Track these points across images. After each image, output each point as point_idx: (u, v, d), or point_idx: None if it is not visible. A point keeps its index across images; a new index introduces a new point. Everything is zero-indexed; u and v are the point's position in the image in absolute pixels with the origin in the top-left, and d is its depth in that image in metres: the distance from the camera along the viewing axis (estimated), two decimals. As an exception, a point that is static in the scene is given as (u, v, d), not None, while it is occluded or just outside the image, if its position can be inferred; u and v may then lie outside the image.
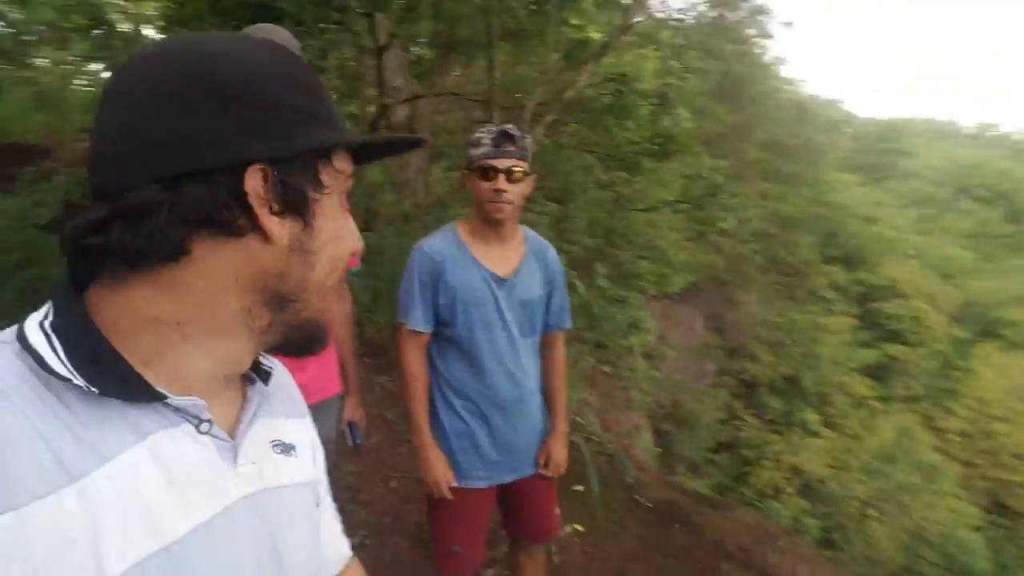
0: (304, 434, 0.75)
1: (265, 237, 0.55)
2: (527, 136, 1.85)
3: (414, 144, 0.73)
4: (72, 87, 7.26)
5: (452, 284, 1.86)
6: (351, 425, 2.10)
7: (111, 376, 0.51)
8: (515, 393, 1.94)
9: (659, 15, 10.13)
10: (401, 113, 5.25)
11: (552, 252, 2.04)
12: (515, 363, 1.92)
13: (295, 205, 0.56)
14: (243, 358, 0.62)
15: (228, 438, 0.60)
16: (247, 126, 0.53)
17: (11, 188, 4.22)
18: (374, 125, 5.39)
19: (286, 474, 0.68)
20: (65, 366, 0.49)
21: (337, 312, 1.97)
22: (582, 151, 4.98)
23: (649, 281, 5.58)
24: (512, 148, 1.78)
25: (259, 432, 0.66)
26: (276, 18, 4.57)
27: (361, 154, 0.66)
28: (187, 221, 0.52)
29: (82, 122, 5.92)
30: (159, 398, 0.53)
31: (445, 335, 1.93)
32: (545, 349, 2.07)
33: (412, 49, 5.66)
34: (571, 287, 4.45)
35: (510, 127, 1.82)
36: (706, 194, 5.58)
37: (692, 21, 10.23)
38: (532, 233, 2.05)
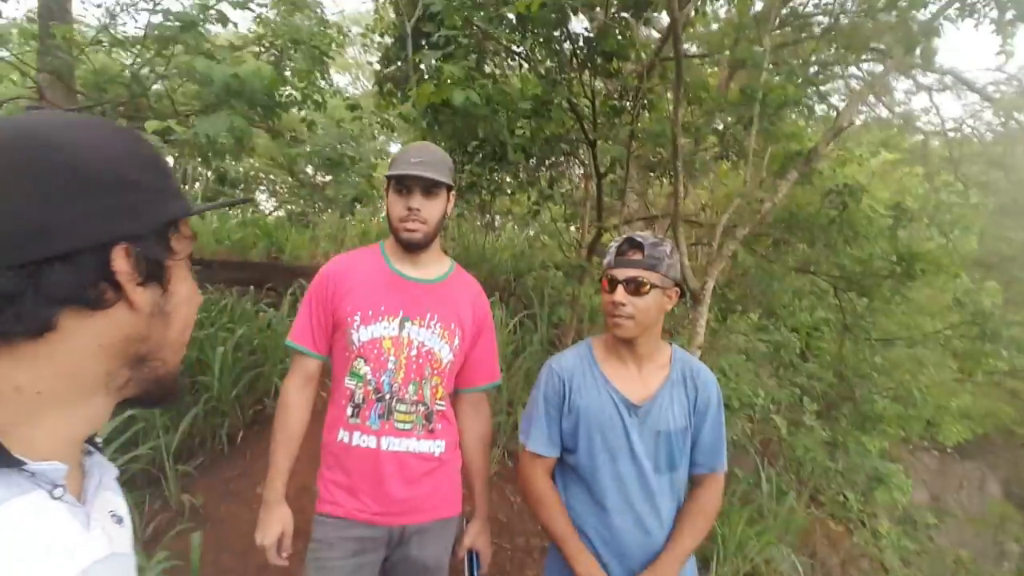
0: (125, 510, 0.76)
1: (131, 306, 0.61)
2: (664, 243, 1.69)
3: (244, 202, 0.79)
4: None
5: (577, 405, 1.72)
6: (472, 554, 1.92)
7: None
8: (642, 540, 1.67)
9: (929, 127, 9.15)
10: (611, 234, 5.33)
11: (707, 378, 1.78)
12: (645, 504, 1.68)
13: (155, 274, 0.63)
14: (103, 414, 0.66)
15: (79, 504, 0.63)
16: (108, 208, 0.58)
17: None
18: (591, 249, 5.56)
19: (123, 543, 0.70)
20: None
21: (471, 428, 1.94)
22: (798, 271, 4.50)
23: (897, 427, 4.63)
24: (637, 256, 1.65)
25: (103, 500, 0.69)
26: (506, 152, 5.10)
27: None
28: (54, 300, 0.56)
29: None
30: (16, 464, 0.55)
31: (568, 462, 1.77)
32: (691, 489, 1.79)
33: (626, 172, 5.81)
34: (769, 422, 3.90)
35: (640, 234, 1.70)
36: (970, 322, 4.57)
37: (971, 130, 8.98)
38: (683, 354, 1.82)
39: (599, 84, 5.72)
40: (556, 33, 4.61)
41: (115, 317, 0.60)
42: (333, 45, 5.60)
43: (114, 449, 2.97)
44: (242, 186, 13.92)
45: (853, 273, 4.31)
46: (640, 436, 1.68)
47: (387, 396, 1.74)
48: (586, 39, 4.69)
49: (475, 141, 5.30)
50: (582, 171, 6.55)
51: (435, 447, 1.80)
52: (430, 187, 1.71)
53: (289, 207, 13.98)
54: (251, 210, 11.66)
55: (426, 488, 1.78)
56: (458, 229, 8.43)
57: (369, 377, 1.73)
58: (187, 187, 13.61)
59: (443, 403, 1.84)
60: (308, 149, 3.46)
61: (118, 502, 0.74)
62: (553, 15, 4.30)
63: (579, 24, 4.90)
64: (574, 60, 4.85)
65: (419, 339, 1.76)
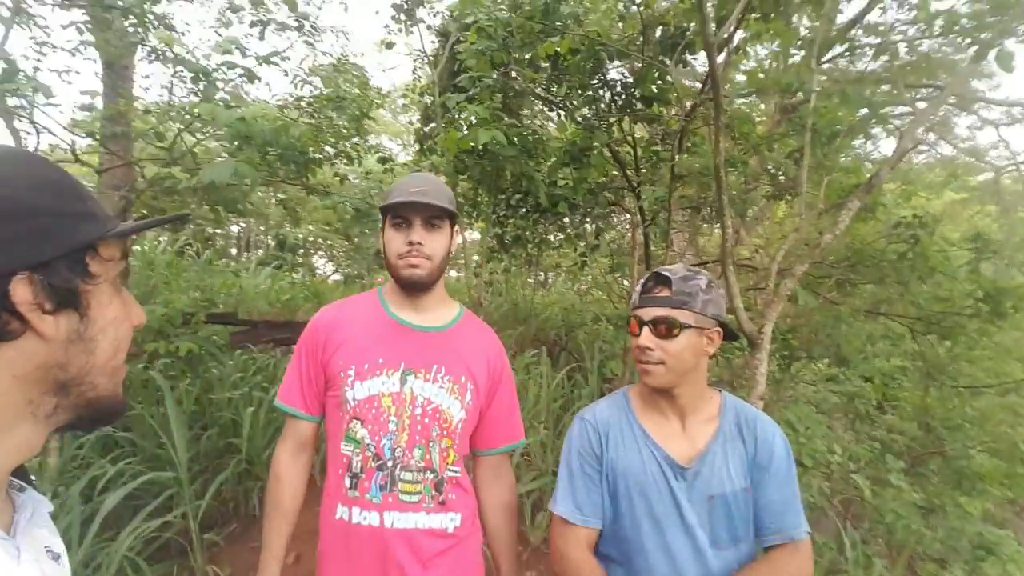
0: (62, 548, 0.76)
1: (40, 336, 0.60)
2: (698, 276, 1.42)
3: (176, 219, 0.79)
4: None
5: (614, 465, 1.45)
6: None
7: None
8: None
9: (1001, 161, 8.62)
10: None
11: (767, 426, 1.47)
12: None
13: (67, 301, 0.62)
14: (34, 443, 0.65)
15: (7, 535, 0.64)
16: (5, 239, 0.57)
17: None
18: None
19: None
20: None
21: (493, 496, 1.70)
22: (868, 312, 4.11)
23: (1001, 486, 4.07)
24: (664, 293, 1.40)
25: (35, 536, 0.69)
26: (555, 203, 5.00)
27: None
28: None
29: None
30: None
31: (607, 530, 1.49)
32: (767, 566, 1.42)
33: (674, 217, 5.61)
34: (850, 481, 3.46)
35: (669, 268, 1.44)
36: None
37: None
38: (736, 402, 1.54)
39: (639, 130, 5.62)
40: (593, 81, 4.56)
41: (25, 347, 0.60)
42: (373, 105, 5.73)
43: (146, 515, 2.86)
44: (301, 251, 14.39)
45: (931, 313, 3.89)
46: (690, 502, 1.40)
47: (389, 463, 1.50)
48: (623, 84, 4.61)
49: (512, 189, 5.26)
50: (628, 219, 6.39)
51: (449, 521, 1.55)
52: (432, 218, 1.51)
53: (347, 271, 14.29)
54: (306, 274, 11.95)
55: (442, 571, 1.53)
56: (506, 284, 8.34)
57: (367, 441, 1.50)
58: (248, 253, 14.16)
59: (456, 468, 1.59)
60: (336, 199, 3.42)
61: (54, 540, 0.75)
62: (588, 64, 4.25)
63: (615, 70, 4.83)
64: (612, 106, 4.76)
65: (424, 395, 1.52)
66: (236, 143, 2.38)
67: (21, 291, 0.58)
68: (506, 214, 6.20)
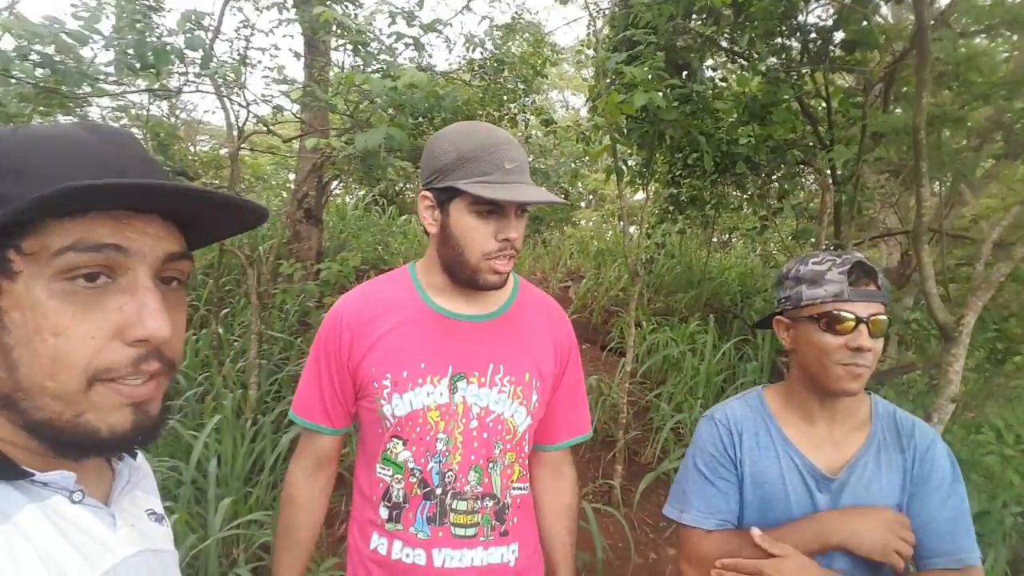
0: (162, 510, 0.78)
1: None
2: (879, 268, 1.28)
3: (178, 194, 0.58)
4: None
5: (748, 471, 1.32)
6: None
7: None
8: None
9: None
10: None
11: (926, 434, 1.30)
12: None
13: None
14: (36, 454, 0.59)
15: (102, 505, 0.64)
16: None
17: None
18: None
19: (162, 540, 0.72)
20: None
21: (552, 501, 1.45)
22: None
23: None
24: (872, 287, 1.24)
25: (134, 500, 0.71)
26: (735, 162, 4.66)
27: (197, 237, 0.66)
28: None
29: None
30: (25, 476, 0.57)
31: None
32: None
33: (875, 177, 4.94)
34: None
35: (863, 256, 1.26)
36: None
37: None
38: (886, 405, 1.35)
39: (839, 79, 4.96)
40: (781, 27, 4.08)
41: None
42: (547, 63, 5.68)
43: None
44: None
45: None
46: None
47: (438, 491, 1.24)
48: (819, 29, 4.07)
49: (688, 149, 4.95)
50: (819, 181, 5.75)
51: (509, 554, 1.30)
52: (525, 206, 1.22)
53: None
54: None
55: None
56: (680, 246, 8.00)
57: (411, 466, 1.24)
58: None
59: (522, 485, 1.34)
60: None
61: (155, 502, 0.76)
62: (779, 7, 3.81)
63: (811, 14, 4.27)
64: (804, 56, 4.24)
65: (480, 404, 1.25)
66: (391, 111, 2.50)
67: None
68: (682, 174, 5.90)
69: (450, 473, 1.24)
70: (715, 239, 8.77)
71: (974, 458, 2.78)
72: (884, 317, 1.23)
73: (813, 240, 5.37)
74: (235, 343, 4.10)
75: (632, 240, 5.49)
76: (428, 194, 1.22)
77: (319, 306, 3.93)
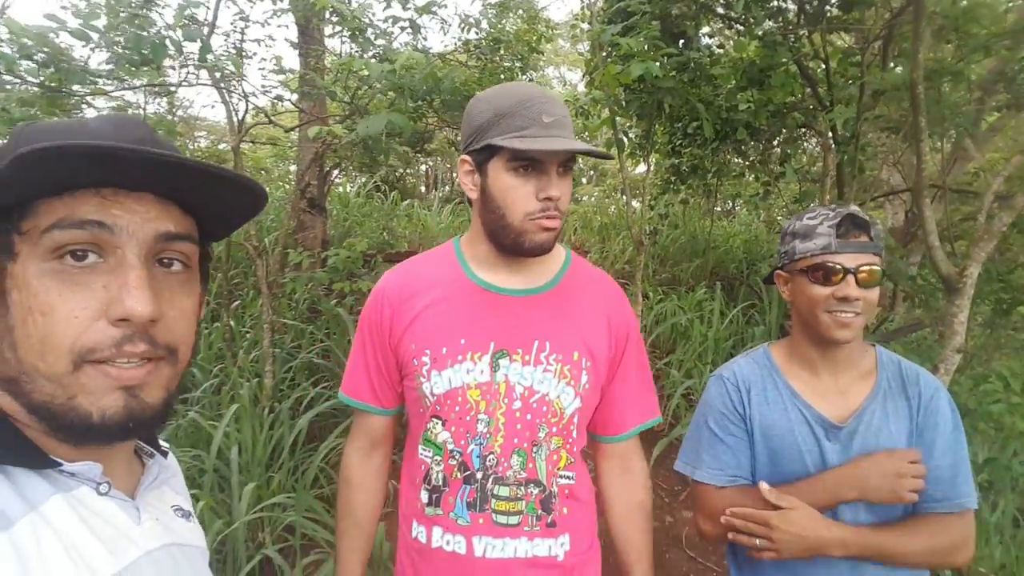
0: (190, 507, 0.79)
1: None
2: (877, 222, 1.31)
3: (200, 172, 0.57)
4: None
5: (758, 426, 1.35)
6: None
7: (1, 445, 0.55)
8: None
9: None
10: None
11: (929, 383, 1.32)
12: (857, 567, 1.26)
13: None
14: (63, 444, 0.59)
15: (128, 498, 0.65)
16: None
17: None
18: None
19: (189, 535, 0.72)
20: None
21: (621, 496, 1.36)
22: None
23: None
24: (864, 238, 1.28)
25: (161, 496, 0.72)
26: (735, 128, 4.65)
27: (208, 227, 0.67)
28: None
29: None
30: (53, 465, 0.57)
31: None
32: (926, 528, 1.27)
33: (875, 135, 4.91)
34: None
35: (855, 209, 1.30)
36: None
37: None
38: (890, 355, 1.38)
39: (837, 39, 4.92)
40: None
41: None
42: (543, 40, 5.64)
43: (338, 433, 3.28)
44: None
45: None
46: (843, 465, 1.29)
47: (478, 475, 1.17)
48: (815, -12, 4.03)
49: (688, 118, 4.93)
50: (820, 144, 5.72)
51: (559, 547, 1.21)
52: (567, 162, 1.14)
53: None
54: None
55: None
56: (684, 216, 7.99)
57: (451, 447, 1.18)
58: (436, 191, 15.01)
59: (570, 473, 1.24)
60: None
61: (182, 500, 0.77)
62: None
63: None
64: (801, 17, 4.20)
65: (524, 383, 1.17)
66: (391, 95, 2.51)
67: None
68: (682, 143, 5.88)
69: (491, 456, 1.17)
70: (718, 207, 8.77)
71: (981, 407, 2.81)
72: (875, 267, 1.26)
73: (816, 203, 5.37)
74: (247, 334, 4.16)
75: (635, 212, 5.50)
76: (467, 158, 1.17)
77: (328, 293, 3.97)
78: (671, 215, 7.60)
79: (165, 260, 0.60)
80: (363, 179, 8.94)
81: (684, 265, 6.65)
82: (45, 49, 2.18)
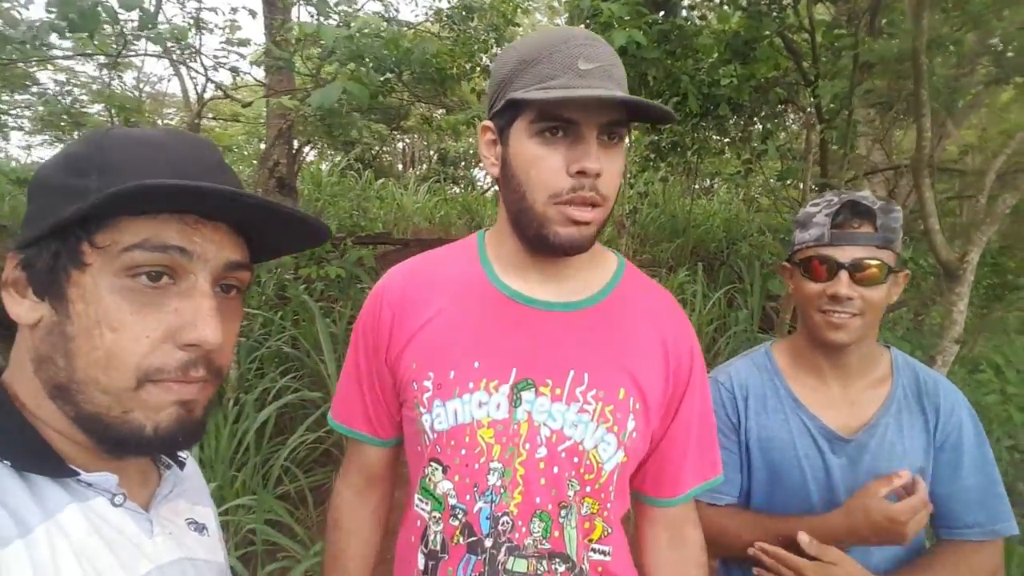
0: (213, 522, 0.78)
1: (17, 318, 0.57)
2: (895, 207, 1.13)
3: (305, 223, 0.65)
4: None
5: (755, 435, 1.22)
6: None
7: (23, 452, 0.56)
8: None
9: None
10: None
11: (950, 394, 1.19)
12: None
13: (47, 287, 0.56)
14: (83, 452, 0.60)
15: (142, 510, 0.64)
16: (27, 215, 0.58)
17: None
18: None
19: (201, 550, 0.71)
20: None
21: (671, 569, 1.04)
22: None
23: None
24: (865, 229, 1.12)
25: (175, 509, 0.71)
26: (717, 104, 4.51)
27: (262, 245, 0.66)
28: None
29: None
30: (71, 474, 0.57)
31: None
32: (955, 560, 1.14)
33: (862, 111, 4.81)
34: None
35: (863, 195, 1.14)
36: None
37: None
38: (906, 359, 1.24)
39: (821, 10, 4.78)
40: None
41: (23, 330, 0.58)
42: (519, 11, 5.43)
43: (305, 427, 3.12)
44: (462, 163, 14.71)
45: None
46: (852, 483, 1.14)
47: (487, 542, 0.88)
48: (801, -43, 3.88)
49: (668, 92, 4.78)
50: (803, 119, 5.61)
51: None
52: (614, 124, 0.83)
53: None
54: (466, 188, 12.19)
55: None
56: (664, 195, 7.87)
57: (453, 502, 0.90)
58: (412, 169, 14.74)
59: (605, 548, 0.94)
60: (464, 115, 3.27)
61: (199, 512, 0.76)
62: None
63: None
64: (787, -15, 4.06)
65: (552, 425, 0.89)
66: (349, 64, 2.32)
67: (7, 269, 0.57)
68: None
69: (505, 519, 0.88)
70: (697, 185, 8.65)
71: (975, 398, 2.73)
72: (876, 261, 1.10)
73: (800, 182, 5.28)
74: (212, 322, 3.96)
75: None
76: (489, 123, 0.90)
77: (296, 278, 3.78)
78: (651, 194, 7.46)
79: (225, 286, 0.63)
80: (337, 157, 8.68)
81: (664, 245, 6.53)
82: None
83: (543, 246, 0.88)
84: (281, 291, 4.30)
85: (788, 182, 5.59)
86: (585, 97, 0.78)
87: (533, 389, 0.89)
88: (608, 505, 0.92)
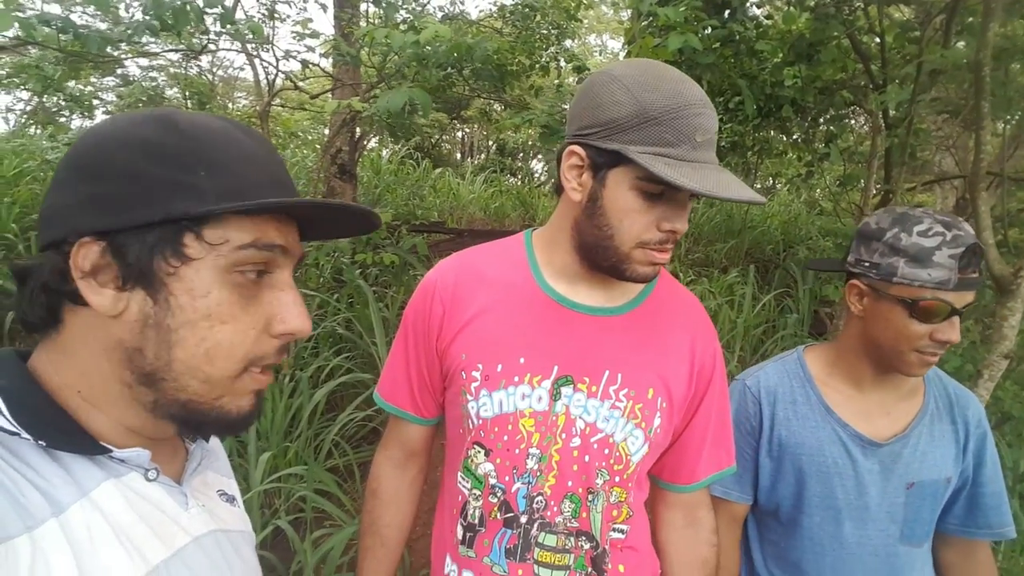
0: (238, 494, 0.80)
1: (95, 309, 0.56)
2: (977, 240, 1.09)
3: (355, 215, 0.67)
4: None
5: (783, 441, 1.24)
6: None
7: (55, 430, 0.55)
8: None
9: None
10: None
11: (976, 408, 1.22)
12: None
13: (139, 278, 0.55)
14: (149, 429, 0.62)
15: (175, 483, 0.65)
16: (85, 199, 0.55)
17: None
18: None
19: (232, 520, 0.73)
20: (10, 422, 0.53)
21: (685, 549, 1.16)
22: None
23: None
24: (978, 274, 1.08)
25: (205, 481, 0.72)
26: (780, 105, 4.45)
27: (315, 230, 0.69)
28: (46, 289, 0.56)
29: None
30: (103, 451, 0.58)
31: (767, 515, 1.31)
32: (954, 560, 1.26)
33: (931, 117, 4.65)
34: None
35: (974, 234, 1.08)
36: None
37: None
38: (936, 371, 1.27)
39: (896, 11, 4.63)
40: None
41: (100, 317, 0.56)
42: (581, 7, 5.45)
43: (354, 406, 3.28)
44: (520, 155, 14.79)
45: None
46: (883, 488, 1.18)
47: (523, 518, 1.00)
48: (874, -44, 3.78)
49: (730, 92, 4.73)
50: (870, 123, 5.46)
51: None
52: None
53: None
54: (525, 179, 12.25)
55: None
56: (719, 195, 7.74)
57: (493, 482, 1.01)
58: (471, 159, 14.91)
59: (625, 527, 1.06)
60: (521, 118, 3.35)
61: (228, 483, 0.78)
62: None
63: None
64: (857, -14, 3.96)
65: (587, 418, 1.00)
66: (413, 62, 2.42)
67: (82, 253, 0.54)
68: (723, 119, 5.66)
69: (540, 498, 1.00)
70: (757, 185, 8.49)
71: (1027, 415, 2.67)
72: (973, 302, 1.09)
73: (862, 185, 5.14)
74: (272, 301, 4.17)
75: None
76: (580, 151, 0.94)
77: (352, 263, 3.94)
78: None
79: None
80: (398, 145, 8.89)
81: (719, 245, 6.45)
82: (72, 15, 2.16)
83: (616, 274, 0.97)
84: (338, 275, 4.49)
85: (850, 187, 5.47)
86: (723, 197, 0.84)
87: (572, 385, 1.00)
88: (632, 494, 1.04)
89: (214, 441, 0.79)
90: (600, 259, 0.97)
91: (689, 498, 1.15)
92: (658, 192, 0.89)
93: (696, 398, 1.08)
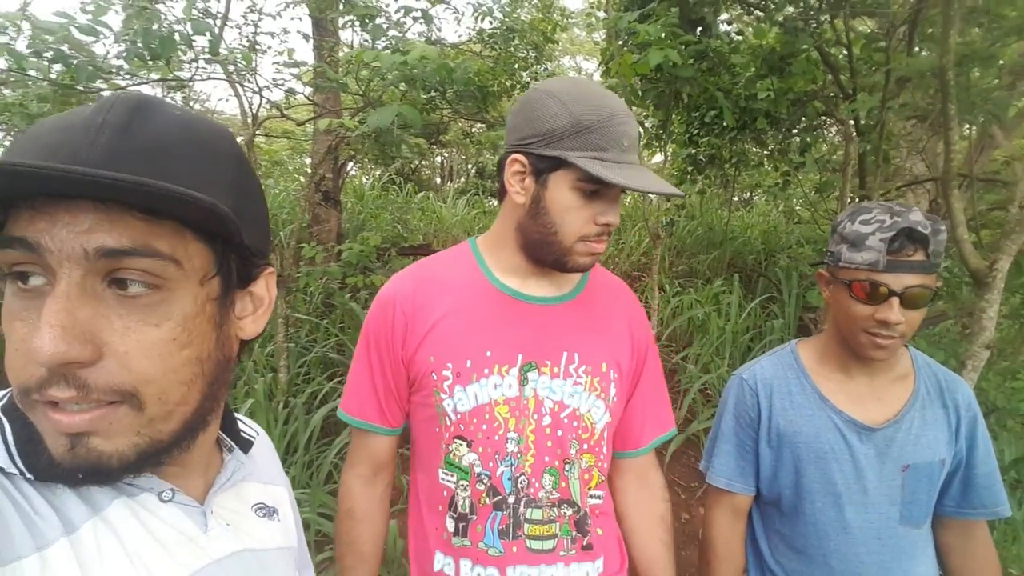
0: (287, 501, 0.76)
1: None
2: (942, 226, 1.15)
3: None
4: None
5: (781, 431, 1.30)
6: None
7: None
8: None
9: None
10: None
11: (966, 391, 1.28)
12: (888, 570, 1.23)
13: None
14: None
15: (196, 503, 0.61)
16: None
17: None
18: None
19: (268, 536, 0.68)
20: (10, 454, 0.50)
21: (641, 512, 1.28)
22: None
23: None
24: (919, 256, 1.14)
25: (240, 495, 0.68)
26: (754, 118, 4.56)
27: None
28: None
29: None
30: None
31: (770, 504, 1.36)
32: (952, 541, 1.30)
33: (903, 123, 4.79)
34: None
35: (918, 220, 1.13)
36: None
37: None
38: (924, 357, 1.32)
39: (860, 23, 4.79)
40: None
41: None
42: (557, 29, 5.57)
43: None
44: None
45: None
46: (880, 472, 1.23)
47: (510, 499, 1.09)
48: (837, -28, 3.93)
49: (706, 107, 4.84)
50: (842, 132, 5.61)
51: (594, 572, 1.15)
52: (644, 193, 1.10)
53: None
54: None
55: None
56: (701, 207, 7.88)
57: (478, 470, 1.09)
58: (451, 182, 14.98)
59: (600, 493, 1.18)
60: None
61: (271, 492, 0.74)
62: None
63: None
64: (823, 2, 4.10)
65: (553, 397, 1.10)
66: (404, 86, 2.48)
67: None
68: (699, 133, 5.79)
69: (523, 478, 1.08)
70: (736, 197, 8.65)
71: (1011, 405, 2.73)
72: (924, 288, 1.13)
73: (837, 193, 5.26)
74: (262, 328, 4.16)
75: (651, 203, 5.42)
76: (522, 158, 1.05)
77: (342, 287, 3.95)
78: (688, 206, 7.50)
79: (117, 280, 0.48)
80: (378, 171, 8.93)
81: (701, 257, 6.55)
82: (60, 46, 2.18)
83: (559, 267, 1.10)
84: (327, 299, 4.50)
85: (826, 194, 5.60)
86: (650, 191, 1.01)
87: (536, 370, 1.10)
88: (602, 457, 1.16)
89: (262, 444, 0.76)
90: (544, 254, 1.08)
91: (639, 462, 1.27)
92: (594, 190, 1.02)
93: (637, 369, 1.22)
